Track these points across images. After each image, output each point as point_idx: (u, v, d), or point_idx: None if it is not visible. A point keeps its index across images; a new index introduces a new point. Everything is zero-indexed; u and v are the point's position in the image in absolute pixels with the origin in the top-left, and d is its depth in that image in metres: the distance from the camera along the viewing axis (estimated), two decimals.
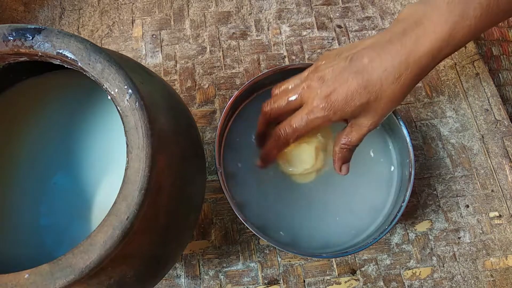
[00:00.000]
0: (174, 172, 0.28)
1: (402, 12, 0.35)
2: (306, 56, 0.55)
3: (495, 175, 0.51)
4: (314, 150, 0.42)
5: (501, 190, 0.50)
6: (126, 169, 0.24)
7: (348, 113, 0.35)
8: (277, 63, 0.54)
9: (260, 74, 0.45)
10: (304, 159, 0.43)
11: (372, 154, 0.47)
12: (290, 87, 0.38)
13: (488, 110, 0.54)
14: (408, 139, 0.44)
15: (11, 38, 0.25)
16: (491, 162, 0.51)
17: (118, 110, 0.24)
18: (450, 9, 0.32)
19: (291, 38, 0.56)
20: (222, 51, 0.55)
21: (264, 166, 0.42)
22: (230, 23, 0.56)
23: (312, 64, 0.39)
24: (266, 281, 0.45)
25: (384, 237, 0.46)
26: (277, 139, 0.39)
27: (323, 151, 0.43)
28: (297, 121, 0.37)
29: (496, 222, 0.49)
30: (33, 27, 0.25)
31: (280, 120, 0.39)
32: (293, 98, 0.37)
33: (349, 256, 0.46)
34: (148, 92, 0.28)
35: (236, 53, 0.55)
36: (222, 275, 0.45)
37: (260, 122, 0.41)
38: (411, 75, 0.33)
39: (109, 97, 0.25)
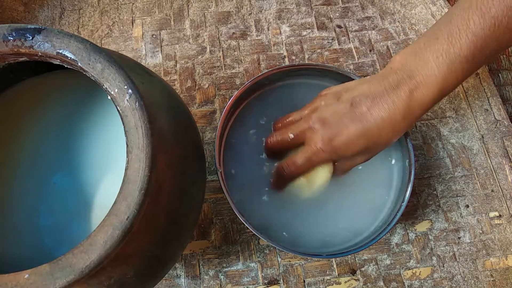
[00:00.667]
0: (174, 172, 0.28)
1: (395, 61, 0.38)
2: (306, 56, 0.55)
3: (495, 175, 0.51)
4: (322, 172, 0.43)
5: (501, 190, 0.50)
6: (126, 169, 0.24)
7: (349, 155, 0.39)
8: (277, 63, 0.54)
9: (260, 74, 0.45)
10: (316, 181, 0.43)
11: None
12: (291, 123, 0.42)
13: (488, 110, 0.54)
14: (408, 139, 0.44)
15: (11, 38, 0.25)
16: (491, 162, 0.51)
17: (118, 110, 0.24)
18: (438, 65, 0.35)
19: (291, 38, 0.56)
20: (222, 51, 0.55)
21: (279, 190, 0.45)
22: (230, 23, 0.56)
23: (313, 62, 0.40)
24: (266, 281, 0.45)
25: (384, 237, 0.46)
26: (281, 176, 0.42)
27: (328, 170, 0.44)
28: (300, 160, 0.40)
29: (496, 222, 0.49)
30: (33, 27, 0.25)
31: (282, 151, 0.43)
32: (295, 136, 0.40)
33: (349, 256, 0.46)
34: (148, 92, 0.28)
35: (236, 53, 0.55)
36: (222, 275, 0.45)
37: (266, 151, 0.44)
38: (405, 123, 0.37)
39: (109, 97, 0.25)
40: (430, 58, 0.35)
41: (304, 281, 0.45)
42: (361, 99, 0.37)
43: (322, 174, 0.42)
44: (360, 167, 0.46)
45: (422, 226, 0.48)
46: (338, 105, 0.38)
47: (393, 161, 0.46)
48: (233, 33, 0.56)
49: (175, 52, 0.54)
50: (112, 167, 0.33)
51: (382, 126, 0.37)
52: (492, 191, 0.50)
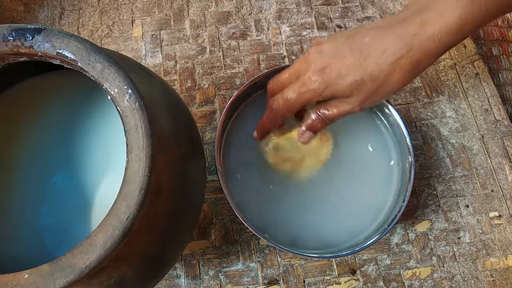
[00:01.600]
0: (174, 172, 0.28)
1: (411, 0, 0.34)
2: None
3: (495, 175, 0.51)
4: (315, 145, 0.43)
5: (501, 190, 0.50)
6: (126, 169, 0.24)
7: (340, 90, 0.34)
8: (277, 63, 0.54)
9: (260, 74, 0.45)
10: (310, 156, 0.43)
11: (372, 154, 0.47)
12: (294, 64, 0.37)
13: (488, 110, 0.54)
14: (408, 139, 0.44)
15: (11, 38, 0.25)
16: (491, 162, 0.51)
17: (118, 110, 0.24)
18: None
19: (291, 38, 0.56)
20: (222, 51, 0.55)
21: (260, 138, 0.42)
22: (230, 23, 0.56)
23: None
24: (266, 281, 0.45)
25: (384, 237, 0.46)
26: (270, 111, 0.38)
27: (325, 146, 0.43)
28: (289, 93, 0.36)
29: (496, 222, 0.49)
30: (33, 27, 0.25)
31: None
32: (292, 71, 0.36)
33: (349, 256, 0.46)
34: (148, 92, 0.28)
35: (236, 53, 0.55)
36: (222, 275, 0.45)
37: (267, 98, 0.40)
38: (412, 59, 0.32)
39: (109, 97, 0.25)
40: None
41: (304, 281, 0.45)
42: (365, 32, 0.33)
43: (325, 150, 0.42)
44: (360, 167, 0.46)
45: (422, 226, 0.48)
46: (339, 38, 0.34)
47: (393, 161, 0.46)
48: (233, 33, 0.56)
49: (175, 52, 0.54)
50: (112, 167, 0.33)
51: (383, 58, 0.32)
52: (492, 191, 0.50)
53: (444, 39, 0.31)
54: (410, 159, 0.43)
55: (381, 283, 0.46)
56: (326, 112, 0.37)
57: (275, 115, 0.38)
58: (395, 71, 0.32)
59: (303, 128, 0.39)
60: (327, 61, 0.33)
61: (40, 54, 0.25)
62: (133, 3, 0.57)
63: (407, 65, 0.32)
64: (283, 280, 0.45)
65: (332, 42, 0.34)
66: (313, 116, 0.38)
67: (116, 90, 0.24)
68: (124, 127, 0.24)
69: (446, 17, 0.31)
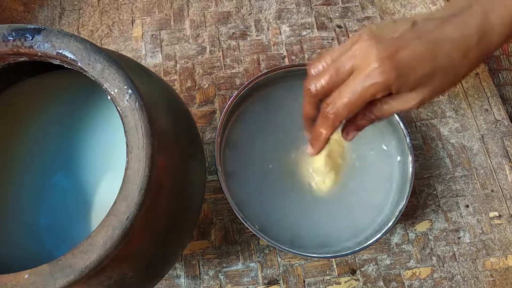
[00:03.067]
0: (174, 172, 0.28)
1: None
2: (306, 56, 0.55)
3: (495, 175, 0.51)
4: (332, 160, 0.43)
5: (501, 190, 0.50)
6: (126, 169, 0.24)
7: (410, 82, 0.29)
8: (277, 63, 0.54)
9: (260, 74, 0.45)
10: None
11: (372, 154, 0.47)
12: (336, 55, 0.31)
13: (488, 110, 0.54)
14: (408, 139, 0.44)
15: (11, 38, 0.25)
16: (491, 162, 0.51)
17: (118, 110, 0.24)
18: None
19: (291, 38, 0.56)
20: (222, 51, 0.55)
21: (316, 153, 0.35)
22: (230, 23, 0.56)
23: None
24: (266, 281, 0.45)
25: (384, 237, 0.46)
26: (326, 118, 0.32)
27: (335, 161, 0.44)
28: (349, 91, 0.30)
29: (496, 222, 0.49)
30: (32, 27, 0.25)
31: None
32: (344, 65, 0.30)
33: (349, 256, 0.46)
34: (148, 92, 0.28)
35: (236, 53, 0.55)
36: (222, 275, 0.45)
37: (305, 104, 0.34)
38: (479, 49, 0.30)
39: (109, 97, 0.25)
40: None
41: (304, 281, 0.45)
42: (426, 20, 0.30)
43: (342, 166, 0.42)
44: (360, 167, 0.46)
45: (422, 226, 0.48)
46: (397, 26, 0.30)
47: (393, 161, 0.46)
48: (233, 33, 0.56)
49: (175, 52, 0.54)
50: (112, 167, 0.33)
51: (452, 47, 0.29)
52: (492, 191, 0.50)
53: (504, 30, 0.30)
54: (410, 159, 0.43)
55: (381, 283, 0.46)
56: (381, 108, 0.32)
57: (332, 121, 0.31)
58: (464, 63, 0.30)
59: (350, 128, 0.35)
60: (393, 48, 0.29)
61: (40, 54, 0.25)
62: (133, 3, 0.57)
63: (474, 57, 0.30)
64: (283, 280, 0.45)
65: (391, 29, 0.30)
66: (363, 115, 0.33)
67: (116, 90, 0.24)
68: (124, 127, 0.24)
69: (507, 7, 0.29)
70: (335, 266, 0.46)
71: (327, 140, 0.34)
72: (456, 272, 0.46)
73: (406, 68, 0.29)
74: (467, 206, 0.49)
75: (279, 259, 0.46)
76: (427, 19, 0.30)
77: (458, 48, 0.29)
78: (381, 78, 0.28)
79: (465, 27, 0.29)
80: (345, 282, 0.45)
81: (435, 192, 0.50)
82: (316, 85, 0.31)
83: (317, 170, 0.44)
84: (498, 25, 0.29)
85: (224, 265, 0.45)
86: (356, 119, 0.34)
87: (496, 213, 0.49)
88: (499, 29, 0.29)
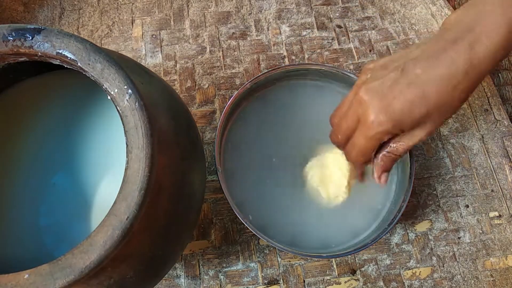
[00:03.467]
0: (174, 172, 0.28)
1: (450, 19, 0.34)
2: (306, 56, 0.55)
3: (495, 175, 0.51)
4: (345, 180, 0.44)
5: (501, 190, 0.50)
6: (126, 169, 0.24)
7: (408, 125, 0.33)
8: (277, 63, 0.54)
9: (260, 74, 0.45)
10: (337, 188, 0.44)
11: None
12: (343, 110, 0.37)
13: (488, 110, 0.54)
14: None
15: (11, 38, 0.25)
16: (491, 162, 0.51)
17: (118, 110, 0.24)
18: (503, 10, 0.31)
19: (291, 38, 0.56)
20: (222, 51, 0.55)
21: (363, 179, 0.42)
22: (230, 23, 0.56)
23: (322, 64, 0.38)
24: (266, 281, 0.45)
25: (384, 237, 0.46)
26: (351, 161, 0.39)
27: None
28: (358, 141, 0.35)
29: (496, 222, 0.49)
30: (32, 27, 0.25)
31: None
32: (349, 121, 0.35)
33: (349, 256, 0.46)
34: (148, 92, 0.28)
35: (236, 53, 0.55)
36: (222, 275, 0.45)
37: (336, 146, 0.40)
38: (468, 81, 0.32)
39: (109, 97, 0.25)
40: (493, 3, 0.31)
41: (304, 281, 0.45)
42: (414, 63, 0.33)
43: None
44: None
45: (422, 226, 0.48)
46: (388, 74, 0.33)
47: None
48: (233, 33, 0.56)
49: (175, 52, 0.54)
50: (112, 167, 0.33)
51: (441, 86, 0.32)
52: (492, 191, 0.50)
53: (494, 57, 0.31)
54: (410, 159, 0.43)
55: (381, 283, 0.46)
56: (393, 148, 0.36)
57: (358, 164, 0.39)
58: (456, 96, 0.32)
59: (378, 172, 0.38)
60: (386, 100, 0.32)
61: (40, 54, 0.25)
62: (133, 3, 0.57)
63: (465, 88, 0.32)
64: (283, 280, 0.45)
65: (382, 79, 0.33)
66: (380, 156, 0.37)
67: (116, 90, 0.24)
68: (124, 127, 0.24)
69: (492, 37, 0.31)
70: (335, 266, 0.46)
71: (364, 168, 0.41)
72: (456, 272, 0.46)
73: (400, 115, 0.32)
74: (467, 206, 0.49)
75: (279, 259, 0.46)
76: (415, 59, 0.33)
77: (447, 85, 0.32)
78: (380, 128, 0.33)
79: (451, 64, 0.31)
80: (345, 282, 0.45)
81: (435, 192, 0.50)
82: (336, 139, 0.38)
83: (335, 185, 0.44)
84: (485, 55, 0.31)
85: (224, 265, 0.45)
86: (379, 162, 0.38)
87: (496, 213, 0.49)
88: (487, 59, 0.31)
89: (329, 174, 0.43)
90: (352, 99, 0.35)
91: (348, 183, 0.43)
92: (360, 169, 0.40)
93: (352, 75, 0.45)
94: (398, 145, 0.36)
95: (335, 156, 0.43)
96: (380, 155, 0.37)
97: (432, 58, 0.32)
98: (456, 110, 0.34)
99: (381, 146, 0.36)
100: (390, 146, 0.36)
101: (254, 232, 0.39)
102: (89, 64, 0.24)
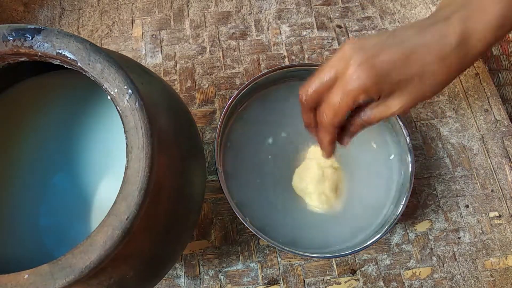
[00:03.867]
0: (174, 172, 0.28)
1: (444, 0, 0.33)
2: (306, 56, 0.55)
3: (495, 175, 0.51)
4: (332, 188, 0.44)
5: (501, 190, 0.50)
6: (126, 169, 0.24)
7: (387, 86, 0.31)
8: (277, 63, 0.54)
9: (260, 74, 0.45)
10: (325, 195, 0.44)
11: (371, 154, 0.47)
12: (319, 75, 0.34)
13: (488, 110, 0.54)
14: (407, 139, 0.44)
15: (11, 38, 0.25)
16: (491, 162, 0.51)
17: (118, 110, 0.24)
18: None
19: (291, 38, 0.56)
20: (222, 51, 0.55)
21: (328, 156, 0.38)
22: (230, 23, 0.56)
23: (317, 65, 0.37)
24: (266, 281, 0.45)
25: (384, 237, 0.46)
26: (323, 126, 0.35)
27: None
28: (333, 99, 0.32)
29: (496, 222, 0.49)
30: (32, 27, 0.25)
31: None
32: (327, 75, 0.32)
33: (349, 256, 0.46)
34: (148, 92, 0.28)
35: (236, 53, 0.55)
36: (222, 275, 0.45)
37: (302, 113, 0.37)
38: (458, 54, 0.31)
39: (109, 97, 0.25)
40: None
41: (304, 281, 0.45)
42: (404, 30, 0.32)
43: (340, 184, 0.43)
44: (360, 168, 0.46)
45: (422, 226, 0.48)
46: (377, 36, 0.32)
47: (393, 161, 0.46)
48: (233, 33, 0.56)
49: (175, 52, 0.54)
50: (112, 167, 0.33)
51: (428, 53, 0.30)
52: (492, 191, 0.50)
53: (486, 36, 0.31)
54: (410, 159, 0.43)
55: (381, 283, 0.46)
56: (368, 115, 0.34)
57: (329, 129, 0.35)
58: (441, 70, 0.31)
59: (345, 134, 0.37)
60: (369, 56, 0.30)
61: (40, 54, 0.25)
62: (133, 3, 0.57)
63: (454, 62, 0.31)
64: (283, 280, 0.45)
65: (371, 39, 0.32)
66: (354, 121, 0.35)
67: (116, 90, 0.24)
68: (124, 127, 0.24)
69: (487, 14, 0.30)
70: (335, 266, 0.46)
71: (332, 145, 0.36)
72: (456, 272, 0.46)
73: (381, 73, 0.30)
74: (467, 206, 0.49)
75: (279, 259, 0.46)
76: (406, 28, 0.32)
77: (434, 55, 0.30)
78: (358, 82, 0.30)
79: (442, 35, 0.30)
80: (345, 282, 0.45)
81: (435, 192, 0.50)
82: (306, 93, 0.34)
83: (313, 193, 0.44)
84: (478, 30, 0.30)
85: (224, 265, 0.45)
86: (347, 126, 0.36)
87: (496, 213, 0.49)
88: (479, 35, 0.30)
89: (307, 184, 0.44)
90: (336, 53, 0.33)
91: (325, 194, 0.43)
92: (334, 133, 0.35)
93: None
94: (372, 113, 0.34)
95: (315, 163, 0.43)
96: (355, 120, 0.35)
97: (423, 28, 0.31)
98: (438, 89, 0.32)
99: (353, 113, 0.35)
100: (364, 113, 0.34)
101: (254, 232, 0.39)
102: (89, 64, 0.24)
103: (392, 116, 0.34)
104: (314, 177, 0.43)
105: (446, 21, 0.31)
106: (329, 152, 0.38)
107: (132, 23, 0.56)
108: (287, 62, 0.55)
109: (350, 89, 0.31)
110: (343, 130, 0.36)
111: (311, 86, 0.34)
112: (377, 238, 0.40)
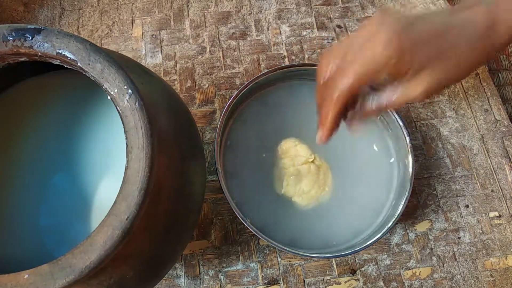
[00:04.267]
0: (174, 172, 0.28)
1: None
2: (306, 56, 0.55)
3: (495, 175, 0.51)
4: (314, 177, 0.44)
5: (501, 190, 0.50)
6: (126, 169, 0.24)
7: (418, 59, 0.29)
8: (277, 63, 0.54)
9: (260, 74, 0.45)
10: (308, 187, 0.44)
11: (372, 154, 0.47)
12: (358, 28, 0.32)
13: (488, 110, 0.54)
14: (407, 139, 0.44)
15: (11, 38, 0.25)
16: (491, 162, 0.51)
17: (118, 110, 0.24)
18: None
19: (291, 38, 0.56)
20: (222, 51, 0.55)
21: (325, 138, 0.34)
22: (230, 23, 0.56)
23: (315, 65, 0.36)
24: (266, 281, 0.45)
25: (384, 237, 0.46)
26: (331, 100, 0.31)
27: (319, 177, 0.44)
28: (355, 67, 0.29)
29: (496, 222, 0.49)
30: (32, 27, 0.25)
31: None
32: (347, 45, 0.30)
33: (349, 256, 0.46)
34: (148, 92, 0.28)
35: (236, 53, 0.55)
36: (222, 275, 0.45)
37: (317, 90, 0.33)
38: (485, 40, 0.30)
39: (109, 97, 0.25)
40: None
41: (304, 281, 0.45)
42: (433, 14, 0.31)
43: (328, 181, 0.43)
44: (360, 168, 0.46)
45: (422, 226, 0.48)
46: (403, 16, 0.30)
47: (393, 161, 0.46)
48: (233, 33, 0.56)
49: (175, 52, 0.54)
50: (112, 167, 0.33)
51: (460, 32, 0.29)
52: (492, 191, 0.50)
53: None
54: (410, 159, 0.43)
55: (381, 283, 0.46)
56: (388, 99, 0.31)
57: (337, 99, 0.31)
58: (469, 54, 0.30)
59: (355, 122, 0.34)
60: (397, 31, 0.28)
61: (40, 54, 0.25)
62: (133, 3, 0.57)
63: (481, 47, 0.30)
64: (283, 280, 0.45)
65: (400, 16, 0.29)
66: (371, 105, 0.32)
67: (116, 90, 0.24)
68: (124, 127, 0.24)
69: None
70: (335, 266, 0.46)
71: (333, 123, 0.33)
72: (456, 272, 0.46)
73: (411, 45, 0.28)
74: (467, 206, 0.49)
75: (279, 259, 0.46)
76: (435, 11, 0.31)
77: (464, 39, 0.29)
78: (386, 51, 0.28)
79: (474, 16, 0.29)
80: (345, 282, 0.45)
81: (435, 192, 0.50)
82: (325, 68, 0.31)
83: (294, 195, 0.44)
84: (505, 18, 0.30)
85: (224, 265, 0.45)
86: (362, 107, 0.33)
87: (496, 213, 0.49)
88: (506, 24, 0.30)
89: (286, 187, 0.44)
90: (362, 25, 0.30)
91: (305, 193, 0.43)
92: (338, 106, 0.31)
93: None
94: (392, 96, 0.31)
95: (289, 163, 0.44)
96: (372, 104, 0.32)
97: (453, 13, 0.30)
98: (462, 76, 0.31)
99: (376, 97, 0.32)
100: (385, 94, 0.32)
101: (254, 232, 0.39)
102: (89, 64, 0.24)
103: (413, 101, 0.32)
104: (290, 178, 0.43)
105: (477, 6, 0.30)
106: (328, 132, 0.33)
107: (132, 23, 0.56)
108: (287, 62, 0.55)
109: (373, 62, 0.28)
110: (354, 114, 0.34)
111: (331, 56, 0.31)
112: (377, 238, 0.40)
